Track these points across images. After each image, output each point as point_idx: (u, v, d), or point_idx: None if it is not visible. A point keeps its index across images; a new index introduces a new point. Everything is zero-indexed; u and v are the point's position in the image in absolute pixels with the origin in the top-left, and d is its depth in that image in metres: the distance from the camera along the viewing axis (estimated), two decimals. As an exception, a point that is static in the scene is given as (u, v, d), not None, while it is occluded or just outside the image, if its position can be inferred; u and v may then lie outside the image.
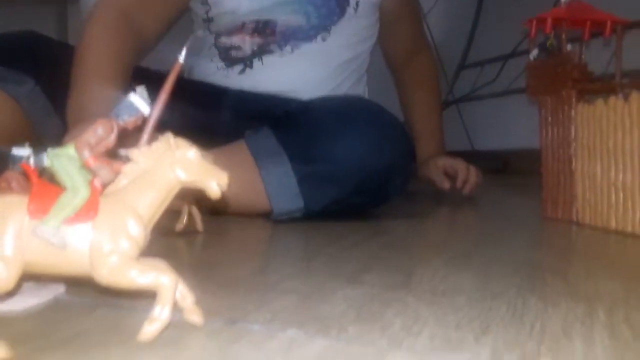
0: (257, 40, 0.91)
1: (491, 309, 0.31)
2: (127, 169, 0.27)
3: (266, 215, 0.71)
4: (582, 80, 0.68)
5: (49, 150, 0.26)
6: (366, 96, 1.05)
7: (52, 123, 0.73)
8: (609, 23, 0.68)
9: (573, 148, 0.68)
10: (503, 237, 0.61)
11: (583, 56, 0.70)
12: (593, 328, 0.28)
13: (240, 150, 0.72)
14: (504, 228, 0.71)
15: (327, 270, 0.42)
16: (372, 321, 0.30)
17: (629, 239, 0.58)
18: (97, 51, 0.71)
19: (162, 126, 0.29)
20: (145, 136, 0.28)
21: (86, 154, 0.26)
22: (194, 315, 0.29)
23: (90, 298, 0.34)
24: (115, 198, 0.27)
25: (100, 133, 0.26)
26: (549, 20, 0.69)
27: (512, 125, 1.77)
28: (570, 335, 0.27)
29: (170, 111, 0.30)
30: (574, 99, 0.69)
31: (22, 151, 0.33)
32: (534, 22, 0.71)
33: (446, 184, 1.01)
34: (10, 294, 0.29)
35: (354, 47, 0.98)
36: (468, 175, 1.01)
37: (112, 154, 0.28)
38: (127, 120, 0.27)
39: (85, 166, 0.26)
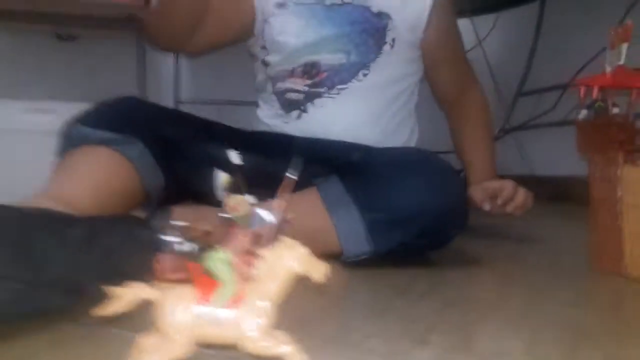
0: (307, 82, 1.01)
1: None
2: (260, 264, 0.38)
3: (333, 257, 0.80)
4: (628, 142, 0.75)
5: (209, 254, 0.37)
6: (416, 129, 1.12)
7: (157, 179, 0.86)
8: (655, 90, 0.74)
9: (619, 206, 0.75)
10: (553, 294, 0.68)
11: (631, 119, 0.76)
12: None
13: (312, 196, 0.81)
14: (554, 282, 0.77)
15: (399, 329, 0.51)
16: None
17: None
18: None
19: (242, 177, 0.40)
20: (270, 241, 0.39)
21: (236, 259, 0.36)
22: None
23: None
24: (254, 287, 0.38)
25: (246, 245, 0.37)
26: (596, 89, 0.75)
27: (571, 153, 1.79)
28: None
29: (247, 164, 0.40)
30: (620, 160, 0.75)
31: (171, 238, 0.45)
32: (582, 87, 0.78)
33: (486, 205, 1.00)
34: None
35: (398, 83, 1.04)
36: (515, 195, 0.99)
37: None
38: (260, 229, 0.38)
39: (233, 265, 0.37)
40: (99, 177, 0.79)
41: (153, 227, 0.54)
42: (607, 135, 0.76)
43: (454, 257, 0.89)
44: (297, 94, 1.02)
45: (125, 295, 0.37)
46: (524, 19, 1.99)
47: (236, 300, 0.37)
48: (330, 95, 1.00)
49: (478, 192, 1.02)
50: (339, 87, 1.00)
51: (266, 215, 0.38)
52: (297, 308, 0.63)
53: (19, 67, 2.04)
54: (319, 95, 1.00)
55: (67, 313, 0.48)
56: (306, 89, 1.01)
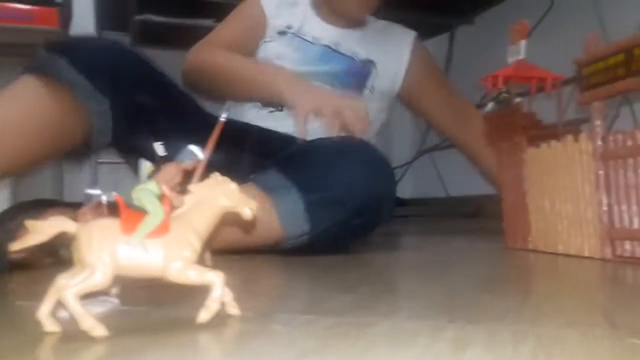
0: None
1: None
2: (189, 198, 0.38)
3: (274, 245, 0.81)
4: (530, 128, 0.82)
5: (136, 186, 0.37)
6: None
7: (106, 138, 0.86)
8: (549, 79, 0.82)
9: (526, 185, 0.81)
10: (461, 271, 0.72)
11: (531, 107, 0.83)
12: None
13: (250, 189, 0.82)
14: (464, 259, 0.82)
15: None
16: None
17: (572, 261, 0.69)
18: (238, 57, 1.06)
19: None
20: (198, 175, 0.39)
21: (164, 187, 0.36)
22: (233, 308, 0.39)
23: (139, 307, 0.43)
24: (180, 219, 0.38)
25: (173, 172, 0.37)
26: (501, 77, 0.82)
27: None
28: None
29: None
30: (524, 144, 0.81)
31: (94, 191, 0.44)
32: (489, 79, 0.85)
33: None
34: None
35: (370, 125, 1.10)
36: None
37: (177, 188, 0.38)
38: (189, 163, 0.38)
39: (162, 196, 0.37)
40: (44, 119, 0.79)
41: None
42: (512, 122, 0.83)
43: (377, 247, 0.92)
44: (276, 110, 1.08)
45: (45, 229, 0.36)
46: (435, 48, 2.13)
47: (162, 231, 0.36)
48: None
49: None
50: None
51: (197, 150, 0.38)
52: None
53: None
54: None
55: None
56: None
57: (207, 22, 1.85)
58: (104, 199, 0.43)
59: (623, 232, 0.63)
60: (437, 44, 2.18)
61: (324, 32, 1.14)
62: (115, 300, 0.45)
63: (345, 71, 1.11)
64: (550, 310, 0.40)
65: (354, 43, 1.14)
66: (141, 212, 0.37)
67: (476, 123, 1.16)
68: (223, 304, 0.39)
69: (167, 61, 2.12)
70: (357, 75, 1.12)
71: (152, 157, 0.41)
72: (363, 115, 0.93)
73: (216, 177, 0.39)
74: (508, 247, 0.85)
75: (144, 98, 0.88)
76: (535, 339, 0.31)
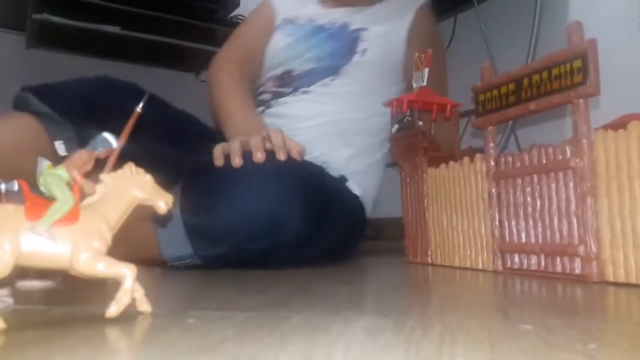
0: (278, 84, 1.09)
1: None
2: (100, 188, 0.37)
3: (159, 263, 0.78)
4: (430, 149, 0.87)
5: (44, 170, 0.35)
6: (384, 150, 1.13)
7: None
8: (448, 106, 0.88)
9: (426, 202, 0.86)
10: (369, 278, 0.74)
11: (432, 130, 0.89)
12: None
13: None
14: (370, 270, 0.85)
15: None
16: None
17: (468, 273, 0.74)
18: (234, 91, 1.07)
19: (122, 157, 0.39)
20: (110, 164, 0.38)
21: (75, 173, 0.35)
22: (144, 304, 0.38)
23: (37, 305, 0.41)
24: (90, 208, 0.36)
25: (85, 159, 0.35)
26: (405, 101, 0.87)
27: (383, 195, 1.98)
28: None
29: (129, 145, 0.40)
30: (425, 164, 0.87)
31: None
32: (394, 103, 0.90)
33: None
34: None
35: (370, 96, 1.07)
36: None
37: (87, 176, 0.37)
38: (102, 151, 0.37)
39: (72, 182, 0.35)
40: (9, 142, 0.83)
41: None
42: (414, 144, 0.88)
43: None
44: (266, 94, 1.10)
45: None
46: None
47: (71, 219, 0.35)
48: (294, 95, 1.07)
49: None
50: (303, 89, 1.07)
51: (110, 138, 0.37)
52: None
53: None
54: (283, 94, 1.08)
55: None
56: (274, 89, 1.09)
57: (111, 28, 1.78)
58: (3, 187, 0.40)
59: (512, 246, 0.69)
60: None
61: (320, 15, 1.14)
62: (9, 300, 0.42)
63: (328, 39, 1.10)
64: (451, 306, 0.42)
65: (349, 18, 1.12)
66: (48, 199, 0.35)
67: None
68: (133, 300, 0.37)
69: (64, 65, 2.03)
70: (344, 41, 1.09)
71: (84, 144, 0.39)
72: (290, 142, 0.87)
73: (130, 167, 0.38)
74: (410, 262, 0.89)
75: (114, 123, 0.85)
76: (441, 327, 0.33)
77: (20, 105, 0.88)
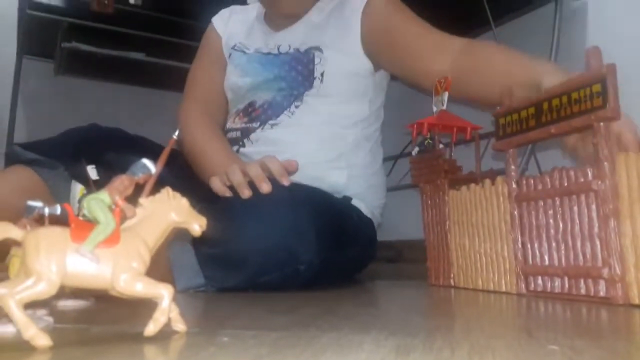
0: (245, 119, 1.07)
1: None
2: (139, 211, 0.39)
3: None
4: (451, 172, 0.88)
5: (87, 196, 0.37)
6: (379, 160, 1.14)
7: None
8: (469, 129, 0.90)
9: (448, 225, 0.86)
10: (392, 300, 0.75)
11: (452, 153, 0.90)
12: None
13: None
14: (393, 292, 0.85)
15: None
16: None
17: (491, 295, 0.74)
18: (205, 133, 1.05)
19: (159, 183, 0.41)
20: (148, 188, 0.40)
21: (117, 197, 0.37)
22: (179, 324, 0.40)
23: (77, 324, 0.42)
24: (130, 231, 0.38)
25: (126, 184, 0.37)
26: (426, 125, 0.89)
27: (404, 218, 1.97)
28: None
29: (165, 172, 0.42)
30: (446, 186, 0.88)
31: (36, 203, 0.43)
32: (415, 126, 0.91)
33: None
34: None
35: (339, 119, 1.05)
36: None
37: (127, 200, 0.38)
38: (141, 176, 0.39)
39: (114, 206, 0.37)
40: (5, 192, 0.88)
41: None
42: (435, 166, 0.89)
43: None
44: (235, 132, 1.08)
45: (-11, 235, 0.35)
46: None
47: (112, 241, 0.36)
48: (263, 130, 1.04)
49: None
50: (271, 122, 1.04)
51: (149, 164, 0.39)
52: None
53: None
54: (252, 130, 1.05)
55: None
56: (242, 126, 1.07)
57: (137, 55, 1.84)
58: (46, 211, 0.42)
59: (535, 268, 0.69)
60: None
61: (268, 39, 1.12)
62: (49, 319, 0.44)
63: (287, 69, 1.06)
64: (477, 327, 0.43)
65: (297, 38, 1.08)
66: (91, 222, 0.37)
67: (466, 41, 0.98)
68: (169, 320, 0.39)
69: (91, 92, 2.08)
70: (300, 66, 1.05)
71: (84, 180, 0.41)
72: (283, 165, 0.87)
73: (167, 192, 0.40)
74: (432, 284, 0.89)
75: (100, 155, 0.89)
76: (469, 347, 0.34)
77: (11, 160, 0.96)
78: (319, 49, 1.05)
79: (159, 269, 0.77)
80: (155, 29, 1.83)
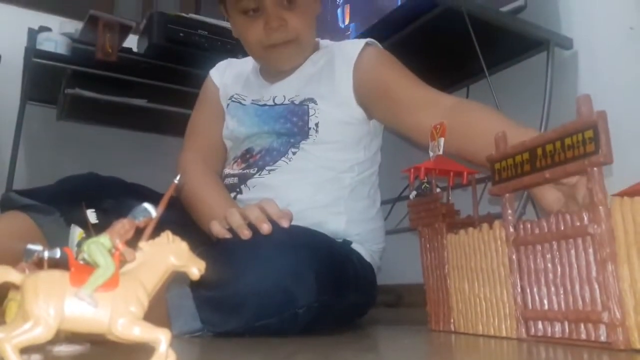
0: (242, 165, 1.09)
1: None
2: (139, 255, 0.39)
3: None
4: (449, 216, 0.88)
5: (86, 239, 0.37)
6: (378, 204, 1.16)
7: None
8: (465, 173, 0.91)
9: (447, 269, 0.86)
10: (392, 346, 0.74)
11: (450, 197, 0.91)
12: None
13: None
14: (393, 338, 0.84)
15: None
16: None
17: (492, 340, 0.73)
18: (204, 182, 1.06)
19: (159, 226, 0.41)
20: (148, 232, 0.40)
21: (117, 241, 0.37)
22: (176, 369, 0.39)
23: None
24: (129, 275, 0.38)
25: (127, 227, 0.38)
26: (423, 169, 0.90)
27: (403, 262, 1.96)
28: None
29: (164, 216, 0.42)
30: (444, 230, 0.88)
31: (36, 246, 0.43)
32: (412, 171, 0.92)
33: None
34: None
35: (334, 160, 1.07)
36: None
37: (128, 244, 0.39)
38: (142, 220, 0.39)
39: (114, 249, 0.37)
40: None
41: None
42: (433, 210, 0.90)
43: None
44: (232, 178, 1.09)
45: (-11, 278, 0.35)
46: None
47: (111, 285, 0.37)
48: (261, 176, 1.05)
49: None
50: (268, 167, 1.06)
51: (150, 208, 0.40)
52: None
53: None
54: (250, 176, 1.07)
55: None
56: (239, 172, 1.08)
57: (139, 101, 1.87)
58: (46, 254, 0.42)
59: (535, 313, 0.69)
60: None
61: (264, 92, 1.15)
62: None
63: (283, 122, 1.09)
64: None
65: (292, 89, 1.12)
66: (90, 266, 0.37)
67: (452, 99, 1.01)
68: (166, 364, 0.38)
69: (92, 137, 2.11)
70: (295, 117, 1.08)
71: (83, 225, 0.42)
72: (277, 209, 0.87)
73: (167, 235, 0.40)
74: (432, 329, 0.88)
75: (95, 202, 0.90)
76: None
77: (5, 205, 0.96)
78: (313, 100, 1.09)
79: (156, 311, 0.77)
80: (156, 76, 1.87)
